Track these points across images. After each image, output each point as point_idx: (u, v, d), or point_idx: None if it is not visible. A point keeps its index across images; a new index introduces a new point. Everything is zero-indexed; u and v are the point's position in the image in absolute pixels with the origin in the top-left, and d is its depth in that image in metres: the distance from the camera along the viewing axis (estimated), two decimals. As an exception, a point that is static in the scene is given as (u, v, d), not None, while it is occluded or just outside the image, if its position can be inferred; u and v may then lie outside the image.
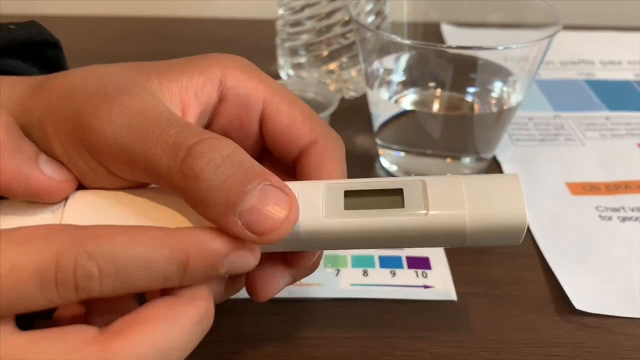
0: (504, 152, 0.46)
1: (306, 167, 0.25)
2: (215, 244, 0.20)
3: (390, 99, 0.43)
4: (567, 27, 0.63)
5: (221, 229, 0.20)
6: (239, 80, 0.25)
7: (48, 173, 0.22)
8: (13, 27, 0.27)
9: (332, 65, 0.52)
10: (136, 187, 0.23)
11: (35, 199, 0.22)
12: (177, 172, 0.20)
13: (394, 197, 0.22)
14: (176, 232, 0.20)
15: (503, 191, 0.22)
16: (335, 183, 0.23)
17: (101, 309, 0.22)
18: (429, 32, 0.51)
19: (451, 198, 0.22)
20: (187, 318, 0.20)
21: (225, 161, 0.20)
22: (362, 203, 0.22)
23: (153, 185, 0.23)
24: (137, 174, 0.22)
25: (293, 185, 0.23)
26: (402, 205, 0.22)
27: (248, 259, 0.21)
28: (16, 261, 0.18)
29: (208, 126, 0.26)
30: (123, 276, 0.19)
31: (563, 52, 0.60)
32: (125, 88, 0.22)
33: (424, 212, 0.22)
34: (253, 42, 0.63)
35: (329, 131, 0.25)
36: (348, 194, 0.22)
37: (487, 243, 0.22)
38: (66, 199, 0.23)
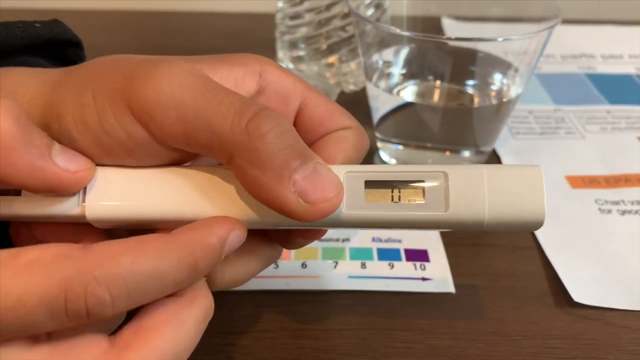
0: (504, 145, 0.45)
1: (326, 140, 0.25)
2: (215, 236, 0.21)
3: (390, 92, 0.43)
4: (568, 21, 0.63)
5: (262, 196, 0.21)
6: (278, 76, 0.25)
7: (62, 165, 0.21)
8: (38, 25, 0.27)
9: (332, 59, 0.52)
10: (168, 164, 0.23)
11: (52, 192, 0.22)
12: (242, 130, 0.20)
13: (414, 189, 0.22)
14: (178, 236, 0.20)
15: (524, 188, 0.21)
16: (356, 171, 0.22)
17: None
18: (429, 26, 0.51)
19: (472, 194, 0.21)
20: (192, 320, 0.21)
21: (288, 131, 0.21)
22: (382, 195, 0.22)
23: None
24: (189, 135, 0.21)
25: None
26: (423, 199, 0.22)
27: (241, 236, 0.22)
28: (22, 293, 0.18)
29: None
30: (135, 294, 0.19)
31: (564, 46, 0.60)
32: (174, 60, 0.22)
33: (444, 208, 0.21)
34: (252, 36, 0.63)
35: (361, 127, 0.26)
36: (368, 184, 0.22)
37: (504, 231, 0.22)
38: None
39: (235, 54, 0.25)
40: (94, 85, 0.22)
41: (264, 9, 0.66)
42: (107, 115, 0.21)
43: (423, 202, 0.22)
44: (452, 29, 0.60)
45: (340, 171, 0.22)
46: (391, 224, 0.22)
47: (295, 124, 0.26)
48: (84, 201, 0.22)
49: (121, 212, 0.22)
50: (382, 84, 0.43)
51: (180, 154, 0.23)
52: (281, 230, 0.25)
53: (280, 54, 0.54)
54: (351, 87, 0.53)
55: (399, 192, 0.22)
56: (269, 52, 0.56)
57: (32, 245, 0.19)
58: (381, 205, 0.22)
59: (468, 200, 0.21)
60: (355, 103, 0.51)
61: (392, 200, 0.22)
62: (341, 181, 0.21)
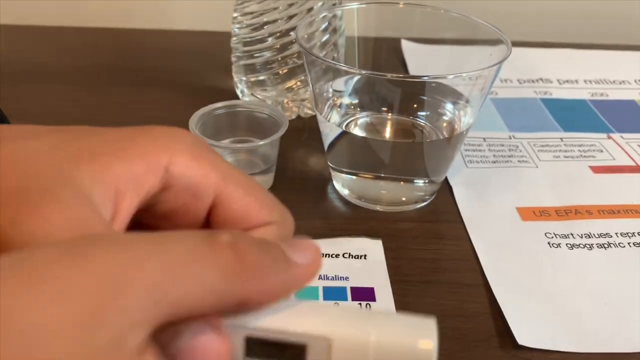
0: (457, 174, 0.45)
1: None
2: None
3: (341, 125, 0.42)
4: (526, 44, 0.63)
5: None
6: (187, 167, 0.22)
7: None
8: None
9: (291, 83, 0.51)
10: None
11: None
12: None
13: (297, 351, 0.20)
14: None
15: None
16: (239, 325, 0.20)
17: None
18: (386, 47, 0.50)
19: None
20: None
21: None
22: (263, 351, 0.20)
23: None
24: None
25: None
26: None
27: None
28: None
29: (149, 210, 0.23)
30: None
31: (521, 70, 0.60)
32: (49, 189, 0.19)
33: None
34: (210, 55, 0.62)
35: (284, 215, 0.24)
36: (250, 341, 0.20)
37: None
38: None
39: (143, 133, 0.22)
40: None
41: (223, 28, 0.65)
42: None
43: None
44: (411, 51, 0.60)
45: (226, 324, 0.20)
46: None
47: (209, 221, 0.23)
48: None
49: None
50: (333, 115, 0.43)
51: None
52: None
53: (236, 78, 0.53)
54: (307, 112, 0.52)
55: (281, 351, 0.20)
56: (227, 71, 0.55)
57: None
58: None
59: None
60: (311, 127, 0.50)
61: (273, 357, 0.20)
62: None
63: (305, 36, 0.44)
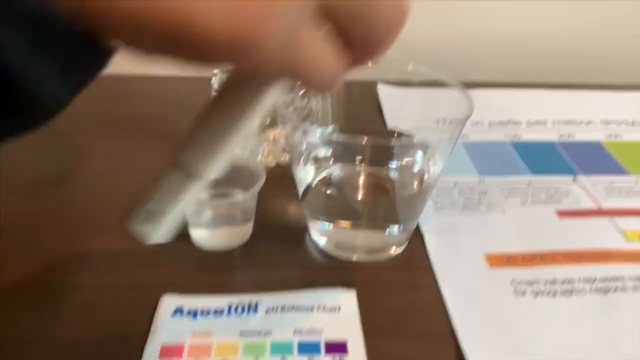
0: (428, 221, 0.47)
1: None
2: None
3: (315, 177, 0.44)
4: (497, 85, 0.65)
5: None
6: None
7: None
8: None
9: (273, 133, 0.53)
10: None
11: None
12: None
13: None
14: None
15: None
16: None
17: None
18: (362, 91, 0.52)
19: None
20: None
21: None
22: None
23: None
24: None
25: None
26: None
27: None
28: None
29: None
30: None
31: (492, 112, 0.62)
32: None
33: None
34: (189, 101, 0.64)
35: None
36: None
37: None
38: None
39: None
40: None
41: (203, 74, 0.67)
42: None
43: None
44: (387, 95, 0.62)
45: None
46: None
47: None
48: None
49: None
50: (308, 168, 0.44)
51: None
52: None
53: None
54: (286, 160, 0.54)
55: None
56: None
57: None
58: None
59: None
60: (290, 175, 0.52)
61: None
62: None
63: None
